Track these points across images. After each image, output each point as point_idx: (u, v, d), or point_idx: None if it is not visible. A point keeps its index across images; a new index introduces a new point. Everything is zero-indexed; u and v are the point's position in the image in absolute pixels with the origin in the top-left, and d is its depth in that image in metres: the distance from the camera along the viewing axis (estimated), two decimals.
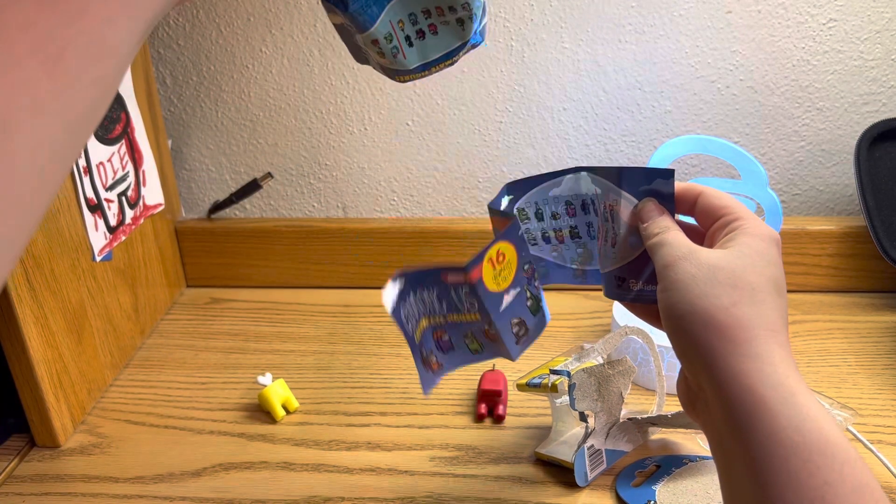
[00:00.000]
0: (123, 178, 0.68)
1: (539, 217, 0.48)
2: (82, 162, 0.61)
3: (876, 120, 0.73)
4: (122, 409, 0.64)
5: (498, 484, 0.53)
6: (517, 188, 0.47)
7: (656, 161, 0.60)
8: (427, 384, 0.45)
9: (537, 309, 0.46)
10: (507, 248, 0.44)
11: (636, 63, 0.75)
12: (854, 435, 0.54)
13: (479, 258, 0.43)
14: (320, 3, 0.30)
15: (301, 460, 0.57)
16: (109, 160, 0.65)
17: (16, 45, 0.22)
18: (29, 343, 0.55)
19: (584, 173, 0.46)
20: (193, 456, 0.58)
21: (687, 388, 0.39)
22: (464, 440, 0.58)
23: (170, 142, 0.82)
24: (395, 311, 0.42)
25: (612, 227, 0.45)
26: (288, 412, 0.62)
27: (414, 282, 0.43)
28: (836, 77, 0.74)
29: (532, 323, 0.46)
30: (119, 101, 0.68)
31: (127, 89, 0.69)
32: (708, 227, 0.41)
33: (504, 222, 0.45)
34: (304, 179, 0.84)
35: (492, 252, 0.43)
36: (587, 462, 0.52)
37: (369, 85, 0.79)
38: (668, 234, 0.40)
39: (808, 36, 0.72)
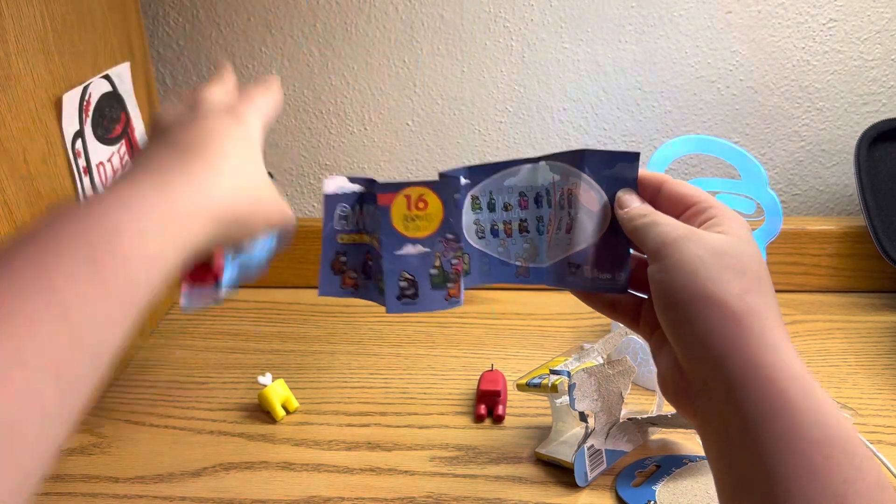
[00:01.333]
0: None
1: (491, 207, 0.46)
2: (82, 162, 0.61)
3: (876, 120, 0.73)
4: (122, 408, 0.64)
5: (498, 484, 0.53)
6: (477, 173, 0.45)
7: (656, 161, 0.60)
8: (326, 287, 0.45)
9: (441, 284, 0.44)
10: (432, 201, 0.43)
11: (636, 63, 0.75)
12: None
13: (395, 187, 0.42)
14: None
15: (301, 460, 0.57)
16: (109, 160, 0.65)
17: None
18: None
19: (543, 163, 0.44)
20: (193, 456, 0.58)
21: (678, 383, 0.36)
22: (464, 440, 0.58)
23: None
24: (331, 197, 0.44)
25: (568, 213, 0.43)
26: (288, 412, 0.62)
27: (360, 190, 0.44)
28: (836, 77, 0.74)
29: (426, 292, 0.44)
30: (119, 101, 0.68)
31: (127, 89, 0.69)
32: (675, 216, 0.39)
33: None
34: (304, 179, 0.84)
35: (412, 191, 0.42)
36: (587, 462, 0.52)
37: (369, 85, 0.79)
38: (657, 215, 0.38)
39: (808, 36, 0.72)
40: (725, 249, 0.35)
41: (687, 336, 0.34)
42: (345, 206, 0.45)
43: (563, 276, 0.44)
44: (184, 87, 0.81)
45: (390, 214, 0.42)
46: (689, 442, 0.57)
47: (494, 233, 0.46)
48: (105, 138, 0.65)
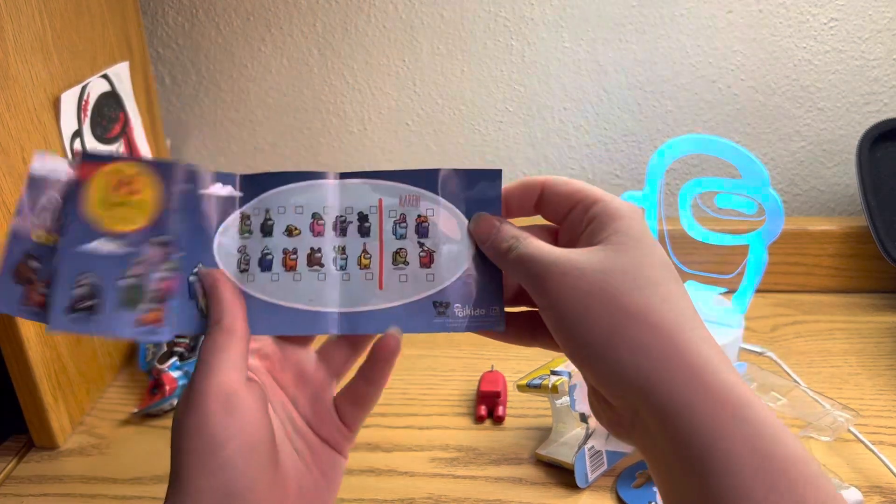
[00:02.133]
0: None
1: (266, 231, 0.36)
2: None
3: (877, 120, 0.73)
4: (121, 409, 0.63)
5: (498, 485, 0.53)
6: (251, 184, 0.37)
7: (656, 161, 0.60)
8: (2, 302, 0.33)
9: (132, 303, 0.33)
10: (148, 186, 0.33)
11: (637, 62, 0.75)
12: (855, 435, 0.54)
13: (103, 159, 0.34)
14: None
15: None
16: None
17: None
18: (27, 344, 0.55)
19: (358, 181, 0.37)
20: None
21: (609, 414, 0.32)
22: (464, 441, 0.58)
23: (168, 141, 0.81)
24: (37, 181, 0.33)
25: (421, 244, 0.36)
26: None
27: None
28: (838, 77, 0.74)
29: (110, 309, 0.33)
30: (118, 101, 0.67)
31: (126, 88, 0.69)
32: (561, 220, 0.35)
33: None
34: None
35: (124, 167, 0.34)
36: (588, 463, 0.52)
37: (369, 85, 0.79)
38: (524, 242, 0.33)
39: (809, 35, 0.72)
40: (610, 267, 0.30)
41: (602, 374, 0.30)
42: (55, 197, 0.34)
43: (428, 318, 0.36)
44: (183, 87, 0.81)
45: (86, 194, 0.33)
46: None
47: (266, 264, 0.36)
48: (104, 138, 0.65)
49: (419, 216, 0.36)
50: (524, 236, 0.34)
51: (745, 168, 0.56)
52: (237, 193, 0.36)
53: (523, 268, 0.33)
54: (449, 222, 0.36)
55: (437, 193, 0.36)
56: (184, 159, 0.84)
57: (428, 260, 0.36)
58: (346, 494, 0.53)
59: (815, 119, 0.76)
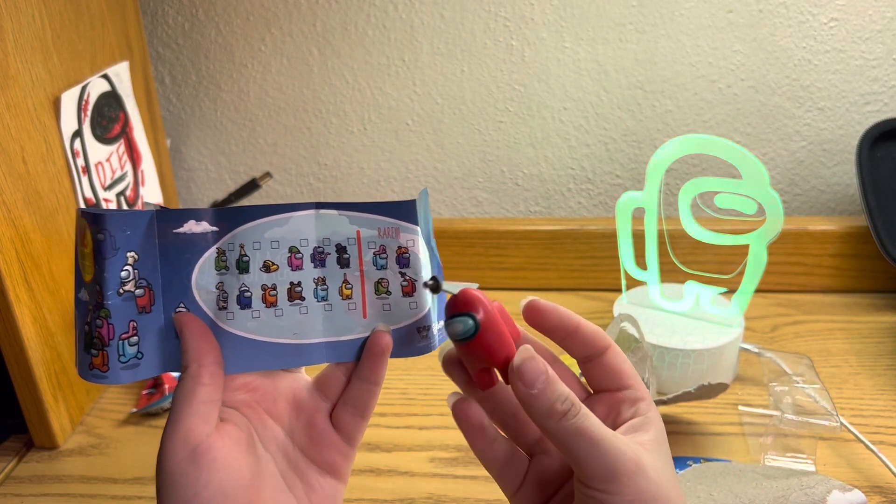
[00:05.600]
0: (122, 178, 0.68)
1: (242, 267, 0.35)
2: (81, 162, 0.61)
3: (877, 120, 0.73)
4: (121, 409, 0.63)
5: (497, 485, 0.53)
6: (224, 219, 0.35)
7: (656, 161, 0.60)
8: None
9: (87, 348, 0.34)
10: (88, 237, 0.34)
11: (637, 62, 0.75)
12: (856, 436, 0.54)
13: (83, 213, 0.34)
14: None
15: None
16: (108, 160, 0.65)
17: None
18: (27, 343, 0.55)
19: (333, 212, 0.36)
20: None
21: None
22: (463, 441, 0.57)
23: (169, 141, 0.81)
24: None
25: (402, 274, 0.36)
26: None
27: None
28: (838, 76, 0.74)
29: (80, 351, 0.35)
30: (118, 101, 0.67)
31: (125, 88, 0.69)
32: (597, 386, 0.35)
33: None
34: (304, 179, 0.84)
35: (79, 219, 0.34)
36: None
37: (369, 84, 0.79)
38: (583, 412, 0.31)
39: (809, 35, 0.72)
40: (663, 476, 0.31)
41: None
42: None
43: (412, 343, 0.37)
44: (183, 87, 0.80)
45: (77, 247, 0.35)
46: (692, 444, 0.56)
47: (245, 301, 0.35)
48: (104, 138, 0.65)
49: (399, 248, 0.36)
50: (577, 401, 0.31)
51: (745, 168, 0.56)
52: (212, 228, 0.35)
53: (580, 443, 0.30)
54: (423, 248, 0.37)
55: (417, 224, 0.37)
56: (183, 156, 0.84)
57: (410, 289, 0.37)
58: (346, 494, 0.53)
59: (815, 119, 0.76)
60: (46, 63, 0.57)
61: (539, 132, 0.79)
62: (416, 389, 0.64)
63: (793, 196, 0.79)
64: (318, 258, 0.36)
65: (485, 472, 0.54)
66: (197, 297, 0.35)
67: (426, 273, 0.37)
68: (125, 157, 0.68)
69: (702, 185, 0.59)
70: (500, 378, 0.35)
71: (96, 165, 0.63)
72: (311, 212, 0.36)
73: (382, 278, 0.37)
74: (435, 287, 0.35)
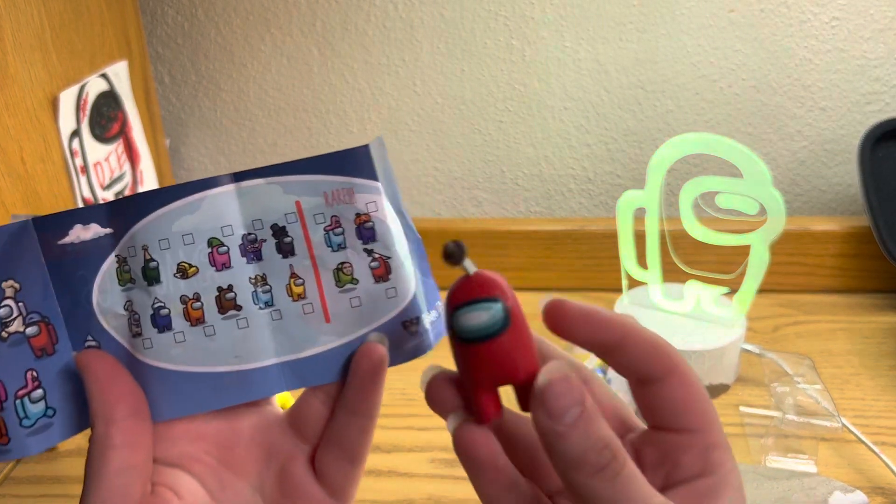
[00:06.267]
0: (120, 178, 0.67)
1: (151, 276, 0.26)
2: (79, 161, 0.61)
3: (879, 119, 0.72)
4: None
5: None
6: (118, 215, 0.27)
7: (657, 161, 0.59)
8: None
9: None
10: None
11: (638, 62, 0.74)
12: (857, 437, 0.53)
13: None
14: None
15: None
16: (107, 159, 0.65)
17: None
18: None
19: (259, 181, 0.27)
20: None
21: None
22: None
23: (168, 141, 0.81)
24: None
25: (369, 252, 0.27)
26: None
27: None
28: (839, 76, 0.73)
29: None
30: (116, 100, 0.67)
31: (124, 88, 0.69)
32: (656, 420, 0.25)
33: None
34: None
35: None
36: None
37: (369, 84, 0.78)
38: (629, 466, 0.22)
39: (810, 35, 0.72)
40: None
41: None
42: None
43: (399, 345, 0.28)
44: (182, 86, 0.80)
45: None
46: None
47: (161, 322, 0.26)
48: (102, 137, 0.64)
49: (358, 215, 0.27)
50: (621, 452, 0.22)
51: (747, 168, 0.56)
52: (104, 231, 0.27)
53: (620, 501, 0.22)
54: (390, 213, 0.28)
55: (377, 179, 0.27)
56: (182, 156, 0.84)
57: (384, 271, 0.27)
58: None
59: (816, 118, 0.75)
60: (45, 62, 0.57)
61: (539, 132, 0.78)
62: (416, 389, 0.64)
63: (794, 196, 0.79)
64: (251, 249, 0.27)
65: None
66: (105, 325, 0.27)
67: (401, 246, 0.28)
68: (124, 156, 0.68)
69: (703, 184, 0.59)
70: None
71: (95, 165, 0.63)
72: (230, 187, 0.27)
73: (343, 263, 0.27)
74: (457, 253, 0.23)
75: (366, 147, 0.27)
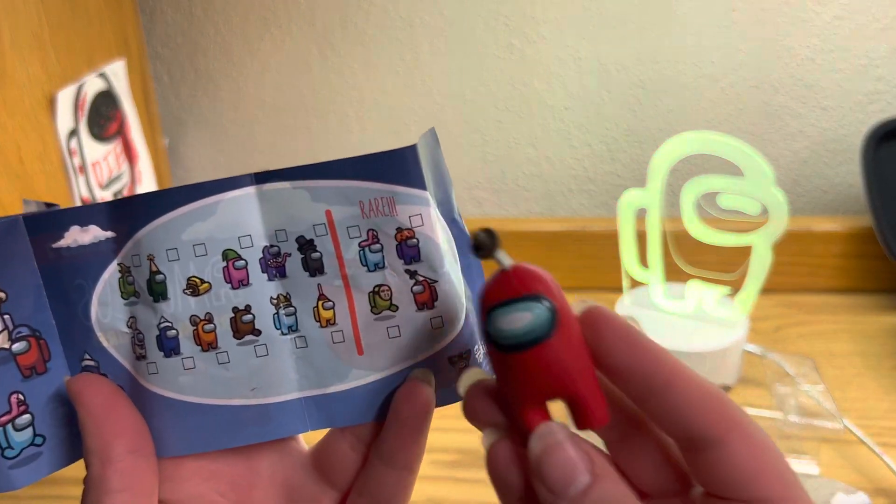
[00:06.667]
0: (119, 178, 0.67)
1: (157, 291, 0.23)
2: (77, 161, 0.60)
3: (882, 119, 0.72)
4: None
5: None
6: (122, 217, 0.23)
7: (659, 160, 0.59)
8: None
9: None
10: None
11: (639, 61, 0.74)
12: (860, 438, 0.53)
13: None
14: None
15: None
16: (105, 159, 0.65)
17: None
18: None
19: (285, 184, 0.23)
20: None
21: None
22: (464, 444, 0.57)
23: (167, 140, 0.81)
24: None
25: (415, 273, 0.23)
26: None
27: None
28: (842, 75, 0.73)
29: None
30: (114, 99, 0.67)
31: (123, 87, 0.68)
32: (712, 487, 0.20)
33: None
34: None
35: None
36: None
37: (369, 83, 0.78)
38: None
39: (812, 34, 0.72)
40: None
41: None
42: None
43: (444, 383, 0.24)
44: (181, 86, 0.80)
45: None
46: None
47: (167, 345, 0.23)
48: (100, 136, 0.64)
49: (400, 230, 0.23)
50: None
51: (749, 167, 0.56)
52: (105, 234, 0.23)
53: None
54: (440, 227, 0.24)
55: (423, 187, 0.23)
56: (181, 156, 0.83)
57: (428, 296, 0.23)
58: None
59: (818, 118, 0.75)
60: (43, 61, 0.57)
61: (540, 131, 0.78)
62: None
63: (796, 196, 0.79)
64: (273, 264, 0.23)
65: (486, 476, 0.54)
66: (105, 344, 0.24)
67: (450, 267, 0.23)
68: (122, 156, 0.68)
69: (704, 184, 0.58)
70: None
71: (93, 165, 0.63)
72: (250, 190, 0.23)
73: (380, 285, 0.23)
74: (488, 244, 0.19)
75: (412, 148, 0.23)
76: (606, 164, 0.79)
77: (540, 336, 0.19)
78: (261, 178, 0.23)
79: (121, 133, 0.68)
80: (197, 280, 0.23)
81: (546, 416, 0.21)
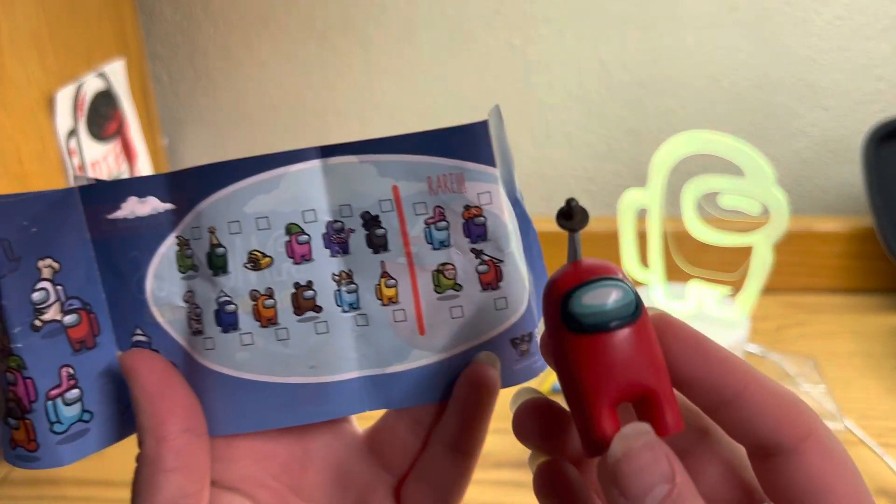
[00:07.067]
0: (117, 177, 0.67)
1: (217, 265, 0.23)
2: (77, 161, 0.60)
3: (883, 118, 0.72)
4: None
5: (500, 488, 0.52)
6: (182, 189, 0.23)
7: (659, 160, 0.59)
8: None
9: (6, 419, 0.23)
10: None
11: (640, 60, 0.74)
12: (861, 439, 0.53)
13: None
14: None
15: None
16: (104, 159, 0.65)
17: None
18: None
19: (352, 158, 0.23)
20: None
21: None
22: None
23: (166, 140, 0.81)
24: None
25: (481, 252, 0.23)
26: None
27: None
28: (843, 75, 0.73)
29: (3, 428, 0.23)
30: (114, 99, 0.67)
31: (122, 86, 0.68)
32: (782, 499, 0.19)
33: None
34: None
35: None
36: None
37: (369, 83, 0.78)
38: None
39: (813, 33, 0.71)
40: None
41: None
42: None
43: (506, 366, 0.24)
44: (180, 85, 0.80)
45: None
46: None
47: (225, 320, 0.23)
48: (100, 136, 0.64)
49: (468, 207, 0.23)
50: None
51: (750, 167, 0.55)
52: (165, 206, 0.22)
53: None
54: (507, 206, 0.23)
55: (493, 164, 0.23)
56: (180, 155, 0.83)
57: (493, 276, 0.23)
58: None
59: (820, 118, 0.75)
60: (42, 61, 0.56)
61: (541, 131, 0.78)
62: None
63: (797, 196, 0.79)
64: (336, 240, 0.23)
65: (487, 476, 0.54)
66: (159, 318, 0.23)
67: (516, 247, 0.23)
68: (122, 155, 0.68)
69: (705, 184, 0.58)
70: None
71: (93, 164, 0.63)
72: (315, 163, 0.23)
73: (445, 264, 0.23)
74: (580, 216, 0.19)
75: (483, 124, 0.23)
76: (607, 164, 0.79)
77: (627, 315, 0.18)
78: (327, 151, 0.23)
79: (120, 133, 0.68)
80: (258, 254, 0.23)
81: (617, 421, 0.19)
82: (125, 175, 0.68)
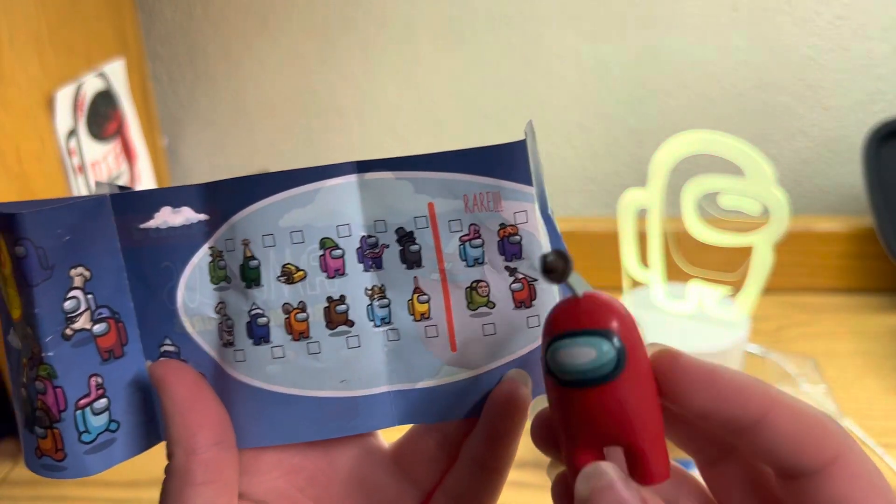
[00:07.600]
0: (118, 178, 0.67)
1: (250, 277, 0.23)
2: (76, 161, 0.60)
3: (884, 118, 0.72)
4: None
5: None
6: (216, 201, 0.23)
7: (659, 160, 0.59)
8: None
9: (30, 422, 0.23)
10: (5, 254, 0.22)
11: (640, 60, 0.74)
12: (861, 439, 0.53)
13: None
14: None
15: None
16: (104, 159, 0.64)
17: None
18: None
19: (388, 174, 0.23)
20: None
21: None
22: None
23: (166, 140, 0.81)
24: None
25: (515, 271, 0.23)
26: None
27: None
28: (844, 75, 0.73)
29: (23, 431, 0.24)
30: (113, 99, 0.67)
31: (121, 86, 0.68)
32: None
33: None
34: None
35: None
36: None
37: (368, 82, 0.78)
38: None
39: (814, 33, 0.71)
40: None
41: None
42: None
43: (541, 385, 0.23)
44: (180, 85, 0.80)
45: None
46: None
47: (257, 333, 0.23)
48: (99, 136, 0.64)
49: (503, 226, 0.23)
50: None
51: (750, 167, 0.55)
52: (198, 217, 0.23)
53: None
54: (542, 225, 0.23)
55: (530, 182, 0.22)
56: (180, 155, 0.83)
57: (527, 294, 0.23)
58: None
59: (820, 117, 0.75)
60: (42, 60, 0.56)
61: (541, 131, 0.78)
62: None
63: (798, 196, 0.78)
64: (370, 255, 0.23)
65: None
66: (189, 329, 0.23)
67: None
68: (121, 155, 0.68)
69: (705, 184, 0.58)
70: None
71: (92, 164, 0.63)
72: (351, 178, 0.23)
73: (478, 281, 0.23)
74: (560, 268, 0.19)
75: (521, 144, 0.22)
76: (607, 164, 0.79)
77: (602, 376, 0.18)
78: (363, 166, 0.23)
79: (120, 133, 0.68)
80: (292, 267, 0.23)
81: (598, 459, 0.19)
82: (125, 175, 0.68)
